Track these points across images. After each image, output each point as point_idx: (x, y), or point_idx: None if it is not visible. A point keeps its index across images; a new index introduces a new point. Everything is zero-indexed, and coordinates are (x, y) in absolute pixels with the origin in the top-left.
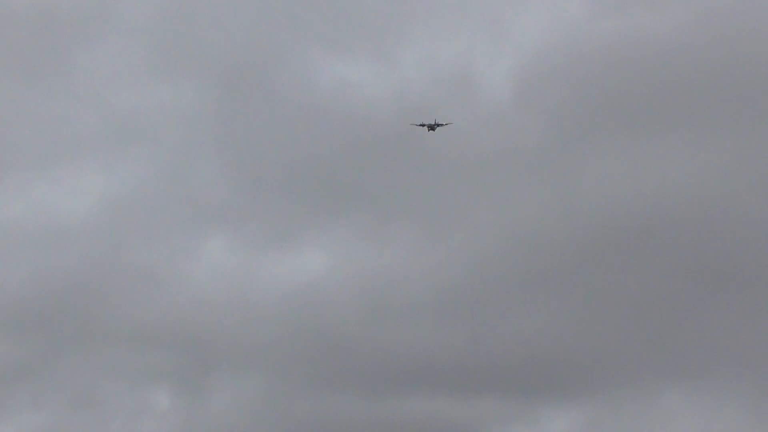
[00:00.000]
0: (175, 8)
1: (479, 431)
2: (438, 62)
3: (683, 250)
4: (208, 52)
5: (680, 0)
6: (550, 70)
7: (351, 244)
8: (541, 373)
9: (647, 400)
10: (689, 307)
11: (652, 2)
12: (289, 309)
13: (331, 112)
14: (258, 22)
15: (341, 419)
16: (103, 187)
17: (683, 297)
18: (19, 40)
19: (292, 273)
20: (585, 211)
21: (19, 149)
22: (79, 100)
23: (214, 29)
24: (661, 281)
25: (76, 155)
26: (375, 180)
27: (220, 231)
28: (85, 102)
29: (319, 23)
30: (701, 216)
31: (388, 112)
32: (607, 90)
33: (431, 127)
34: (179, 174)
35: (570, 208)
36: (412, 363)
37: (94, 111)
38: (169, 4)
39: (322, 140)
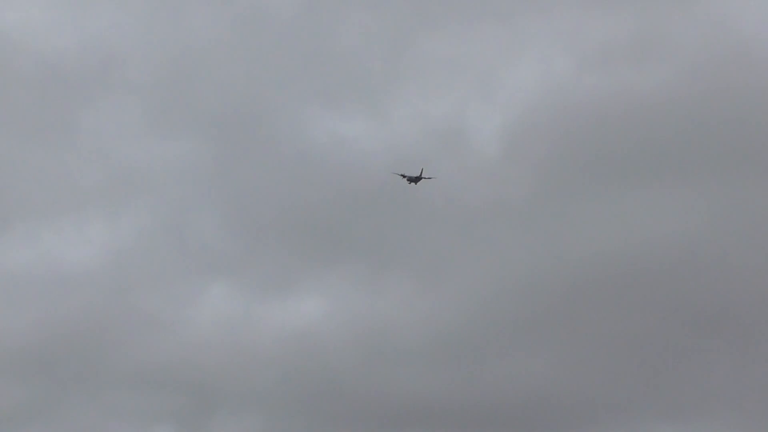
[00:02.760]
0: (175, 68)
1: None
2: (429, 118)
3: (671, 296)
4: (207, 109)
5: (665, 56)
6: (539, 125)
7: (346, 291)
8: (534, 415)
9: None
10: (679, 351)
11: (637, 59)
12: (287, 353)
13: (326, 165)
14: (255, 80)
15: None
16: (107, 237)
17: (673, 340)
18: (27, 99)
19: (289, 318)
20: (573, 259)
21: (27, 201)
22: (83, 154)
23: (212, 87)
24: (649, 325)
25: (81, 207)
26: (369, 230)
27: (220, 279)
28: (89, 157)
29: (314, 81)
30: (688, 263)
31: (381, 165)
32: (593, 143)
33: (413, 180)
34: (180, 224)
35: (558, 256)
36: (407, 406)
37: (98, 165)
38: (169, 63)
39: (318, 192)
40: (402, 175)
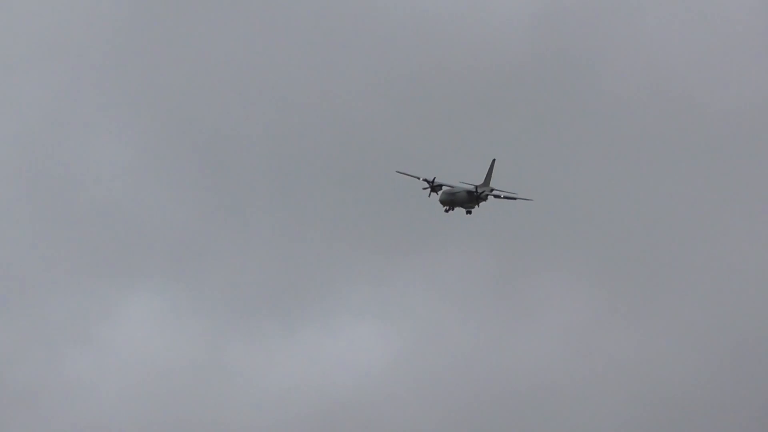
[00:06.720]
0: None
1: None
2: None
3: None
4: None
5: None
6: None
7: (404, 312)
8: None
9: None
10: None
11: None
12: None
13: (376, 50)
14: None
15: None
16: None
17: None
18: None
19: (293, 369)
20: None
21: None
22: None
23: None
24: None
25: None
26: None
27: (142, 292)
28: None
29: None
30: None
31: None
32: None
33: (452, 201)
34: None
35: None
36: None
37: None
38: None
39: (356, 112)
40: (427, 183)
